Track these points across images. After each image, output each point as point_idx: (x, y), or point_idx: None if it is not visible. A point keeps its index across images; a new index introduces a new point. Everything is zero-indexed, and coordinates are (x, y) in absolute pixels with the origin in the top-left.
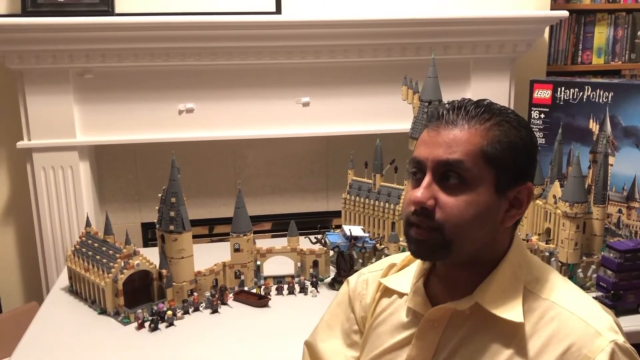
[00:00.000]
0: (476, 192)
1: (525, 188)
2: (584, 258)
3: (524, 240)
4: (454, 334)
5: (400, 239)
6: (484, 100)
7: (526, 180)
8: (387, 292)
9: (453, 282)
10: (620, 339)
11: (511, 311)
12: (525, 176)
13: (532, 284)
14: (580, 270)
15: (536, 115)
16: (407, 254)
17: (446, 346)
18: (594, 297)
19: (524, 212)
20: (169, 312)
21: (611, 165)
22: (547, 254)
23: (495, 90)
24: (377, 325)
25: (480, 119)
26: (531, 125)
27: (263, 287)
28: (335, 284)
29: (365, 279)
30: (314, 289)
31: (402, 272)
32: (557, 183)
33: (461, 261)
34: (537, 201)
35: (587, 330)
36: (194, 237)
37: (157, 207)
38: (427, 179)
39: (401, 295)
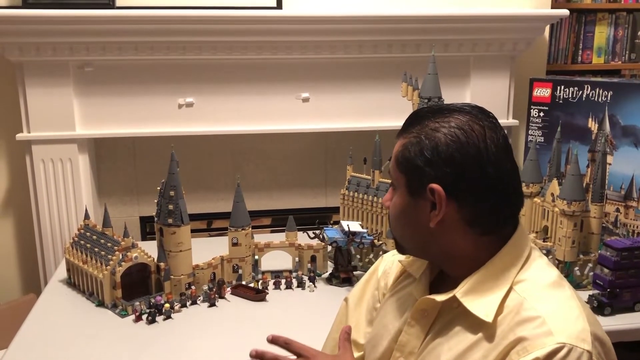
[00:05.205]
0: (397, 195)
1: (433, 191)
2: (581, 256)
3: None
4: (438, 323)
5: None
6: (432, 107)
7: (434, 183)
8: (405, 272)
9: (449, 276)
10: (582, 347)
11: (484, 308)
12: (433, 180)
13: (520, 284)
14: (577, 268)
15: (535, 114)
16: None
17: (431, 334)
18: (590, 295)
19: (441, 214)
20: (167, 305)
21: (609, 164)
22: (544, 251)
23: (495, 88)
24: (389, 303)
25: (407, 131)
26: (531, 124)
27: (261, 281)
28: (332, 279)
29: (395, 259)
30: (311, 284)
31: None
32: (555, 181)
33: (425, 258)
34: (535, 199)
35: (542, 328)
36: (193, 231)
37: (155, 200)
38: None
39: (414, 279)
